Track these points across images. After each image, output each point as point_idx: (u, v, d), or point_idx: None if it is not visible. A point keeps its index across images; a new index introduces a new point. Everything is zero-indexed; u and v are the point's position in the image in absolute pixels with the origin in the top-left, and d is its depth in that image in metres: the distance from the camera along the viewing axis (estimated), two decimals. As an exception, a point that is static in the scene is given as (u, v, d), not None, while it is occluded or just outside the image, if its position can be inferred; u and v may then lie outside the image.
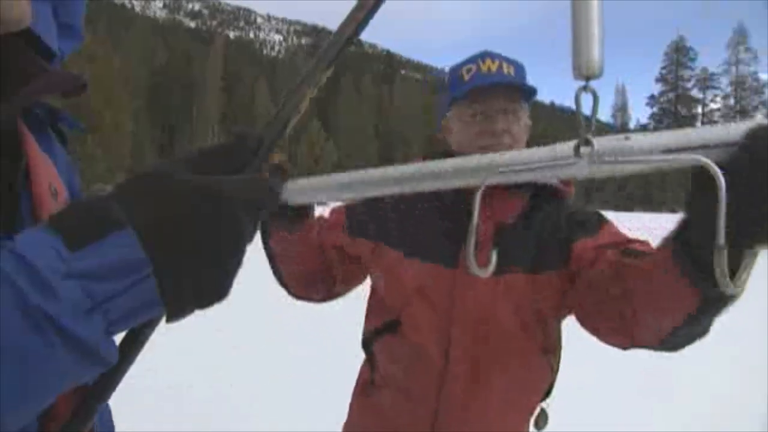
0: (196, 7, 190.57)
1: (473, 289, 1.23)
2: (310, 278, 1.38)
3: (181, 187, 0.44)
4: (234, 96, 73.80)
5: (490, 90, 1.27)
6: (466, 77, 1.30)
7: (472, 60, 1.32)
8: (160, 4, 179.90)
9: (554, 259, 1.23)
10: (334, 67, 0.59)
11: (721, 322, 0.86)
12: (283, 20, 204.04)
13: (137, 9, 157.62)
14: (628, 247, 1.12)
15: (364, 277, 1.44)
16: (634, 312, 0.99)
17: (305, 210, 1.21)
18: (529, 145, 1.31)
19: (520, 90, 1.29)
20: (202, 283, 0.45)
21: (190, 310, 0.46)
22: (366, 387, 1.40)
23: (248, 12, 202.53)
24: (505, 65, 1.29)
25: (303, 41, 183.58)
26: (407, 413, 1.30)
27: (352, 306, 1.74)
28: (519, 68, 1.32)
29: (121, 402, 0.56)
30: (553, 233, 1.25)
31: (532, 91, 1.31)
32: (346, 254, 1.37)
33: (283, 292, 1.43)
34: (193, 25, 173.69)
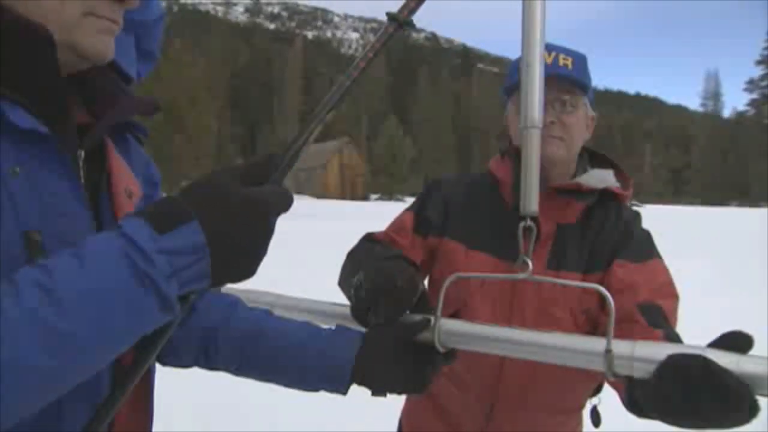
0: (276, 9, 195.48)
1: (534, 287, 1.24)
2: None
3: (232, 194, 0.61)
4: (313, 93, 75.02)
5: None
6: None
7: None
8: (242, 9, 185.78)
9: (602, 262, 1.25)
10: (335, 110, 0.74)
11: (721, 321, 0.95)
12: (360, 18, 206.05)
13: (220, 14, 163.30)
14: (651, 301, 1.14)
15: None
16: None
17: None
18: (595, 137, 1.37)
19: (574, 82, 1.29)
20: (240, 265, 0.62)
21: (226, 283, 0.64)
22: None
23: (325, 12, 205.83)
24: (561, 57, 1.28)
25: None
26: (461, 404, 1.32)
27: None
28: (578, 60, 1.30)
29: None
30: (607, 237, 1.28)
31: (586, 84, 1.31)
32: (423, 259, 1.36)
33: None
34: (272, 26, 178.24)
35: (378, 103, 77.25)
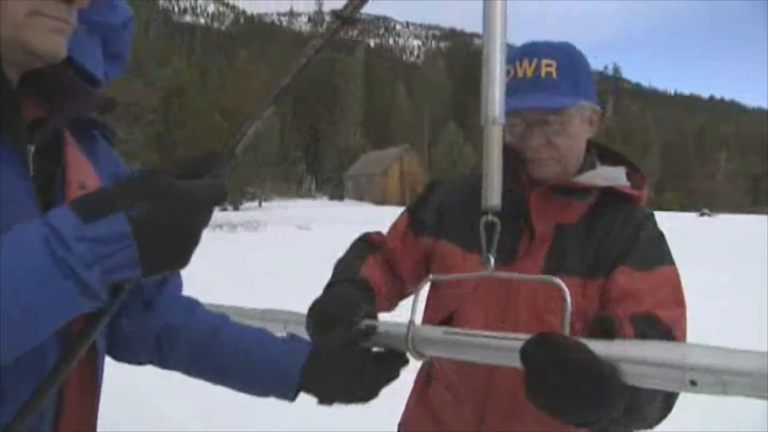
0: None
1: (528, 292, 1.18)
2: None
3: (164, 185, 0.62)
4: (374, 99, 75.59)
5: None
6: None
7: (512, 58, 1.20)
8: (305, 19, 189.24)
9: (607, 267, 1.17)
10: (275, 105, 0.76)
11: (721, 320, 0.89)
12: (421, 25, 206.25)
13: (284, 24, 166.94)
14: (651, 312, 1.05)
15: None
16: None
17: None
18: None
19: (560, 101, 1.19)
20: (169, 255, 0.63)
21: (160, 273, 0.64)
22: (423, 378, 1.38)
23: (387, 20, 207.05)
24: (543, 65, 1.19)
25: (441, 45, 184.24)
26: (455, 412, 1.29)
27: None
28: (563, 60, 1.20)
29: (125, 399, 0.79)
30: (614, 240, 1.18)
31: (576, 90, 1.20)
32: (418, 260, 1.35)
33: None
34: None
35: (440, 110, 77.03)
